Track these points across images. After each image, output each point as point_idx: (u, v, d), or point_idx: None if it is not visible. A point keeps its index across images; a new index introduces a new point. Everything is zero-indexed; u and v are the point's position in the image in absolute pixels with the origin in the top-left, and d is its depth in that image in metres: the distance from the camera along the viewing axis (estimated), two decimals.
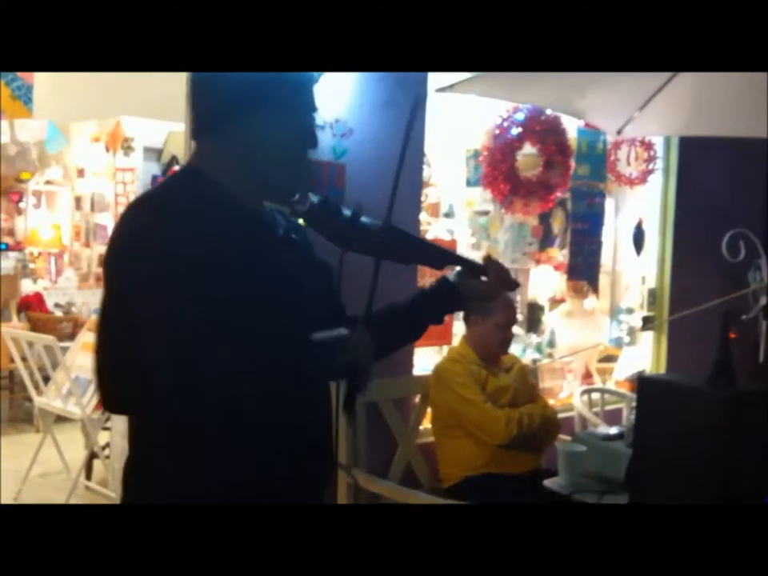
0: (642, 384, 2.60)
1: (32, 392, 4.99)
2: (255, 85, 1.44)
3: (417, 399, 3.75)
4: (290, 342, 1.40)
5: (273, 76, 1.46)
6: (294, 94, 1.49)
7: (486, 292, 1.69)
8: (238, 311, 1.33)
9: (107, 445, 4.86)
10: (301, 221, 1.58)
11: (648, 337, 5.29)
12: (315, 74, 1.50)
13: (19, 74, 7.19)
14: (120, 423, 4.00)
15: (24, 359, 5.02)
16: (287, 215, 1.59)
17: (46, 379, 4.93)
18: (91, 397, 4.50)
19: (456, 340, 4.24)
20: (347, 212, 1.56)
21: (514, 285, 1.74)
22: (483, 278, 1.68)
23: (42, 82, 7.32)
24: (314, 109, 1.53)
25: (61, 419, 4.99)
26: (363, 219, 1.56)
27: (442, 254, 1.70)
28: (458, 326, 4.59)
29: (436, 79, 3.82)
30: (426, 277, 3.68)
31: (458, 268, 1.69)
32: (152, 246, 1.31)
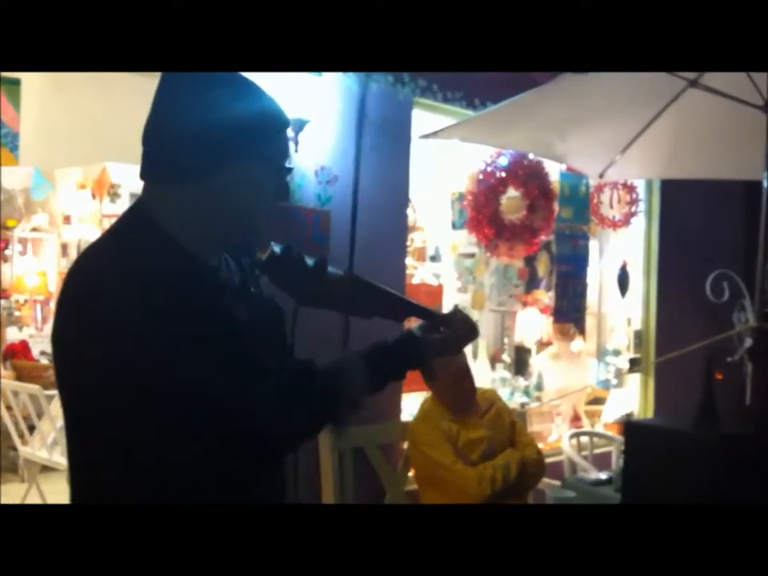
0: (629, 430, 2.60)
1: (17, 441, 4.94)
2: (224, 129, 1.32)
3: (405, 445, 3.73)
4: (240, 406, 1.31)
5: (243, 121, 1.34)
6: (267, 142, 1.38)
7: (449, 346, 1.60)
8: (191, 373, 1.26)
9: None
10: (257, 270, 1.49)
11: (635, 378, 5.30)
12: (296, 120, 1.47)
13: (5, 120, 7.22)
14: None
15: (9, 408, 4.97)
16: (244, 264, 1.49)
17: (32, 428, 4.88)
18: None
19: None
20: (310, 262, 1.48)
21: (475, 333, 1.62)
22: (444, 330, 1.59)
23: (28, 129, 7.37)
24: (286, 156, 1.43)
25: (46, 469, 4.93)
26: (329, 269, 1.49)
27: (405, 307, 1.61)
28: None
29: (419, 125, 3.87)
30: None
31: (422, 322, 1.59)
32: (102, 308, 1.25)
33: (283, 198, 1.45)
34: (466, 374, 3.34)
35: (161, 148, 1.36)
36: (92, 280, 1.29)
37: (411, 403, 4.31)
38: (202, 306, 1.29)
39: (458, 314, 1.61)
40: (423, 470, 3.29)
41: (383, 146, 3.68)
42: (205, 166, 1.33)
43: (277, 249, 1.46)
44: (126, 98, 7.18)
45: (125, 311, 1.23)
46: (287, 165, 1.44)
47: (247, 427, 1.30)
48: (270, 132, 1.39)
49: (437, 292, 4.37)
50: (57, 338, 1.33)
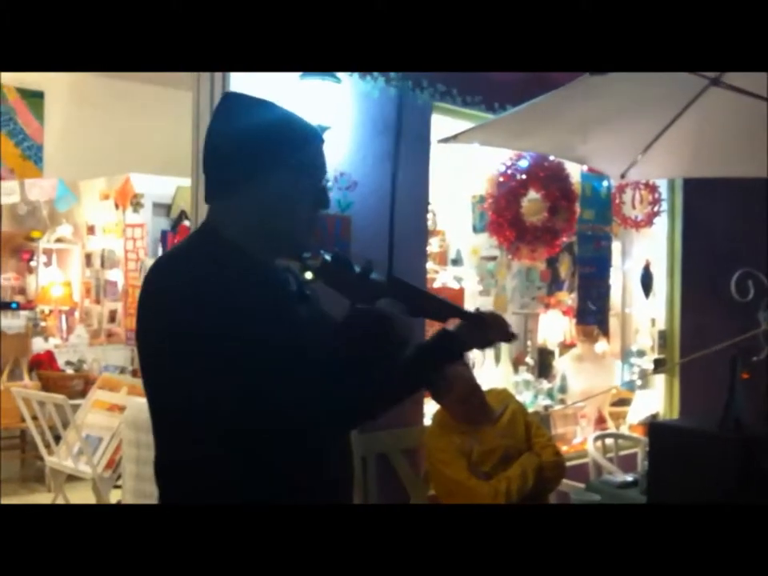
0: (653, 431, 2.58)
1: (43, 451, 4.98)
2: (267, 149, 1.50)
3: None
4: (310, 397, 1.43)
5: (284, 139, 1.51)
6: (309, 156, 1.54)
7: (483, 341, 1.71)
8: (262, 367, 1.38)
9: (118, 503, 4.83)
10: (309, 275, 1.61)
11: (660, 379, 5.26)
12: (322, 131, 1.51)
13: (29, 134, 7.33)
14: (131, 482, 3.98)
15: (35, 418, 5.01)
16: (296, 270, 1.63)
17: (58, 438, 4.92)
18: (102, 455, 4.48)
19: None
20: (357, 268, 1.59)
21: (510, 336, 1.74)
22: (478, 328, 1.68)
23: (52, 141, 7.46)
24: (324, 168, 1.59)
25: (72, 478, 4.96)
26: (372, 275, 1.60)
27: (443, 307, 1.70)
28: None
29: (438, 129, 3.87)
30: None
31: (456, 321, 1.69)
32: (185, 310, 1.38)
33: (325, 205, 1.60)
34: (472, 390, 3.29)
35: (215, 171, 1.54)
36: (168, 286, 1.43)
37: (434, 408, 4.30)
38: (268, 307, 1.44)
39: (491, 314, 1.74)
40: (439, 485, 3.27)
41: (403, 151, 3.68)
42: (251, 181, 1.50)
43: (327, 256, 1.58)
44: (148, 109, 7.27)
45: (194, 314, 1.36)
46: (324, 181, 1.61)
47: (306, 423, 1.43)
48: (312, 147, 1.56)
49: (458, 296, 4.36)
50: (140, 340, 1.49)
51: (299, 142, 1.54)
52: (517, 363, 5.04)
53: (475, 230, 5.14)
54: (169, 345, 1.40)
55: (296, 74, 3.21)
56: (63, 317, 7.91)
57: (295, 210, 1.53)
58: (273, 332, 1.41)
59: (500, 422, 3.32)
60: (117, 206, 7.49)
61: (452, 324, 1.67)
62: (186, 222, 6.72)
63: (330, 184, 3.41)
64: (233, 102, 1.56)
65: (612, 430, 4.94)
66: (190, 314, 1.36)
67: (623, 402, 5.29)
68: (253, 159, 1.49)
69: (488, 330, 1.69)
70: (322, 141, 1.60)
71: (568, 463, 3.62)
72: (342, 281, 1.58)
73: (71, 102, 7.36)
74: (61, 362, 6.90)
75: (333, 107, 3.34)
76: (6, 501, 5.87)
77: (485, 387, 3.45)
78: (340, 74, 3.29)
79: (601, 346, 5.36)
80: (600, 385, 5.16)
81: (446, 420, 3.30)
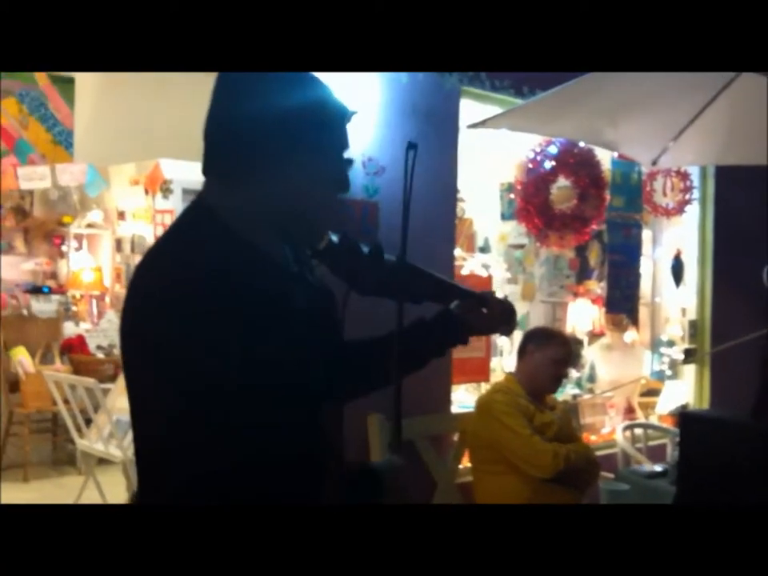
0: (684, 420, 2.55)
1: (74, 434, 5.04)
2: (282, 122, 1.35)
3: (455, 437, 3.71)
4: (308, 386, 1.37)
5: (302, 113, 1.36)
6: (325, 134, 1.39)
7: (486, 324, 1.66)
8: (262, 358, 1.29)
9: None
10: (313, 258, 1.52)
11: (690, 369, 5.20)
12: (348, 110, 1.46)
13: (59, 118, 7.37)
14: None
15: (66, 402, 5.07)
16: (302, 254, 1.50)
17: (88, 422, 4.97)
18: (132, 439, 4.52)
19: (493, 376, 4.21)
20: (366, 249, 1.52)
21: (513, 315, 1.67)
22: (484, 310, 1.64)
23: (82, 126, 7.50)
24: (346, 147, 1.44)
25: (103, 461, 5.02)
26: (384, 257, 1.53)
27: (452, 290, 1.65)
28: (495, 362, 4.56)
29: (467, 115, 3.84)
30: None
31: (458, 302, 1.64)
32: (178, 302, 1.27)
33: (344, 189, 1.45)
34: (568, 359, 3.48)
35: (221, 144, 1.39)
36: (158, 274, 1.32)
37: (461, 395, 4.29)
38: (255, 293, 1.30)
39: (498, 298, 1.67)
40: (493, 443, 3.26)
41: (431, 136, 3.65)
42: (263, 159, 1.36)
43: (334, 238, 1.49)
44: (178, 94, 7.26)
45: (188, 302, 1.26)
46: (346, 156, 1.45)
47: (306, 408, 1.35)
48: (329, 123, 1.41)
49: (486, 283, 4.34)
50: (127, 330, 1.35)
51: (329, 122, 1.40)
52: None
53: (503, 217, 5.10)
54: (166, 338, 1.27)
55: None
56: (94, 301, 7.98)
57: (316, 195, 1.40)
58: (267, 319, 1.30)
59: (554, 411, 3.45)
60: (146, 192, 7.53)
61: (453, 305, 1.63)
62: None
63: (357, 169, 3.40)
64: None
65: (641, 420, 4.91)
66: (184, 305, 1.25)
67: (652, 392, 5.25)
68: (274, 136, 1.35)
69: (498, 316, 1.64)
70: (349, 119, 1.45)
71: (597, 453, 3.61)
72: (348, 263, 1.50)
73: (101, 87, 7.39)
74: (92, 346, 6.97)
75: (359, 91, 3.32)
76: (38, 483, 5.98)
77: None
78: None
79: (630, 335, 5.32)
80: (629, 374, 5.13)
81: (511, 386, 3.38)
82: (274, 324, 1.31)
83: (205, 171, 1.44)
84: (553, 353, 3.35)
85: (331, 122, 1.41)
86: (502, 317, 1.65)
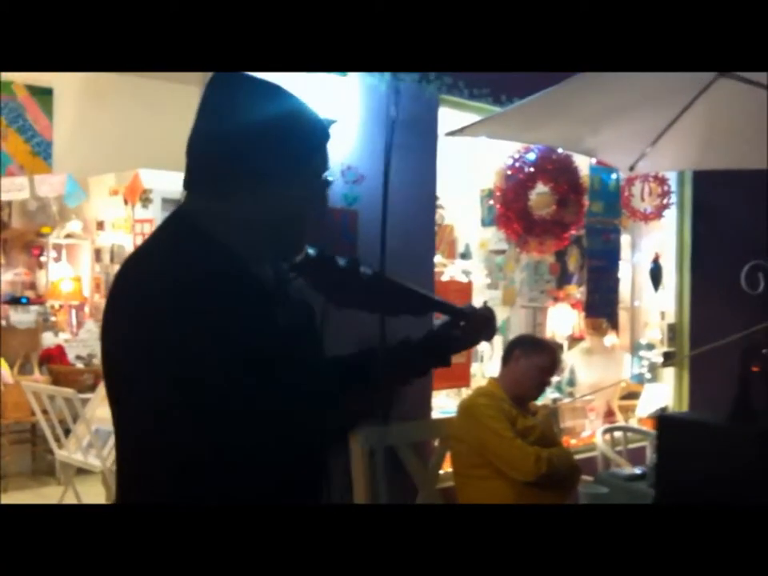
0: (662, 423, 2.57)
1: (53, 445, 5.00)
2: (266, 145, 1.36)
3: (436, 443, 3.72)
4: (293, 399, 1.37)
5: (286, 134, 1.38)
6: (308, 156, 1.42)
7: (468, 340, 1.67)
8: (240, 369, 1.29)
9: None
10: (291, 272, 1.52)
11: (670, 372, 5.24)
12: (329, 124, 1.47)
13: (39, 130, 7.34)
14: None
15: (45, 412, 5.04)
16: (281, 268, 1.52)
17: (67, 432, 4.94)
18: (111, 449, 4.50)
19: (474, 381, 4.23)
20: (342, 262, 1.51)
21: (493, 327, 1.68)
22: (463, 325, 1.64)
23: (61, 137, 7.47)
24: (326, 169, 1.47)
25: (82, 471, 4.99)
26: (361, 269, 1.52)
27: (429, 304, 1.65)
28: (476, 368, 4.58)
29: (445, 123, 3.85)
30: None
31: (442, 320, 1.65)
32: (155, 311, 1.28)
33: (322, 215, 1.50)
34: (553, 368, 3.49)
35: (204, 161, 1.40)
36: (138, 282, 1.33)
37: (441, 401, 4.30)
38: (240, 305, 1.31)
39: (476, 309, 1.67)
40: (477, 447, 3.27)
41: (410, 144, 3.67)
42: (244, 179, 1.37)
43: (311, 251, 1.49)
44: (156, 104, 7.27)
45: (167, 309, 1.26)
46: (327, 178, 1.47)
47: (285, 422, 1.35)
48: (311, 146, 1.43)
49: (466, 289, 4.35)
50: (107, 338, 1.37)
51: (312, 141, 1.43)
52: None
53: (484, 223, 5.13)
54: (145, 347, 1.28)
55: None
56: (73, 312, 7.92)
57: (296, 215, 1.42)
58: (249, 332, 1.30)
59: (536, 416, 3.47)
60: (126, 202, 7.48)
61: (440, 324, 1.64)
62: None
63: (337, 178, 3.40)
64: (241, 82, 1.41)
65: (621, 423, 4.93)
66: (165, 313, 1.26)
67: (632, 395, 5.29)
68: (258, 157, 1.36)
69: (478, 328, 1.65)
70: (329, 138, 1.46)
71: (577, 456, 3.63)
72: (324, 276, 1.50)
73: (80, 98, 7.37)
74: (71, 356, 6.93)
75: (339, 100, 3.33)
76: (17, 494, 5.93)
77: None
78: None
79: (610, 339, 5.35)
80: (609, 378, 5.16)
81: (494, 390, 3.39)
82: (253, 332, 1.31)
83: (186, 186, 1.45)
84: (539, 360, 3.36)
85: (311, 144, 1.43)
86: (482, 328, 1.66)
